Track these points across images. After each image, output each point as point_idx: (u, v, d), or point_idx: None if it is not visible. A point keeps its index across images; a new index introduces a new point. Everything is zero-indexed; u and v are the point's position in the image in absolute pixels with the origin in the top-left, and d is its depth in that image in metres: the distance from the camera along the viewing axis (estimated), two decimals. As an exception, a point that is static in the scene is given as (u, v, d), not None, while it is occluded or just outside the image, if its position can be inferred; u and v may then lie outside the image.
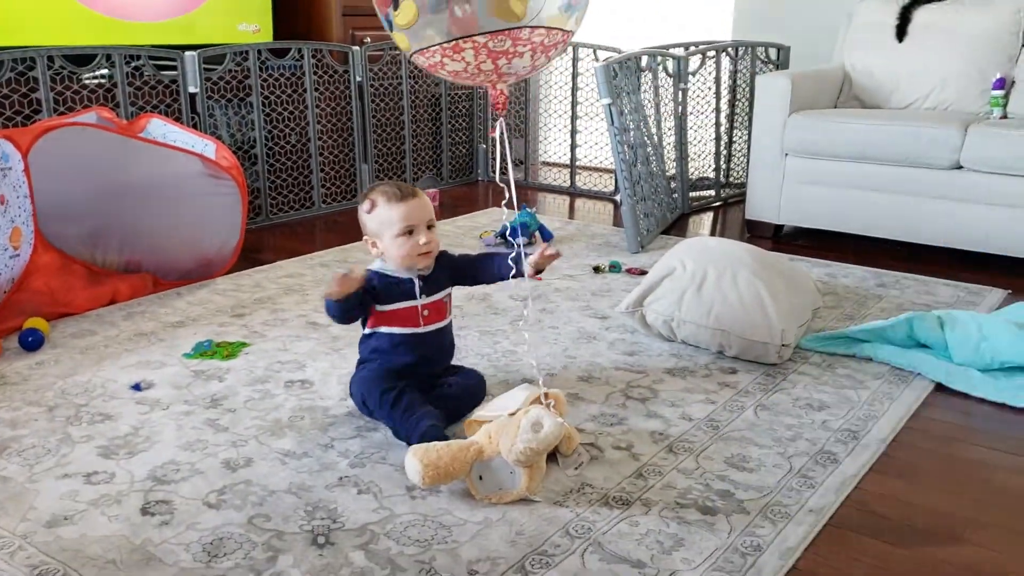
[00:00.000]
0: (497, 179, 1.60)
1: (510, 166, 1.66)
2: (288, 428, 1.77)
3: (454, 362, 1.89)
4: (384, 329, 1.75)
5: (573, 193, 4.34)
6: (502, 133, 1.58)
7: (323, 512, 1.48)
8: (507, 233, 3.20)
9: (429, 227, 1.72)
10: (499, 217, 3.67)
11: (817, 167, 3.27)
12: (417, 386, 1.73)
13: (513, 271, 1.73)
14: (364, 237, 1.76)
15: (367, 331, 1.77)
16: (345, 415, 1.83)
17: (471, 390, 1.77)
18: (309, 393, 1.94)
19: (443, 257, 1.80)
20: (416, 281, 1.76)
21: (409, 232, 1.70)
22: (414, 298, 1.74)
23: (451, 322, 1.83)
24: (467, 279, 1.80)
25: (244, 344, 2.22)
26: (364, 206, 1.73)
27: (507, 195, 1.61)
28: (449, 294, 1.81)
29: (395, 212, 1.70)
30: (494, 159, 4.55)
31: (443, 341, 1.82)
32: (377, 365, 1.75)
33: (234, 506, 1.49)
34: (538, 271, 1.74)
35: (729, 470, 1.63)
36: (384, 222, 1.70)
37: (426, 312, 1.76)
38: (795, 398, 1.96)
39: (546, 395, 1.64)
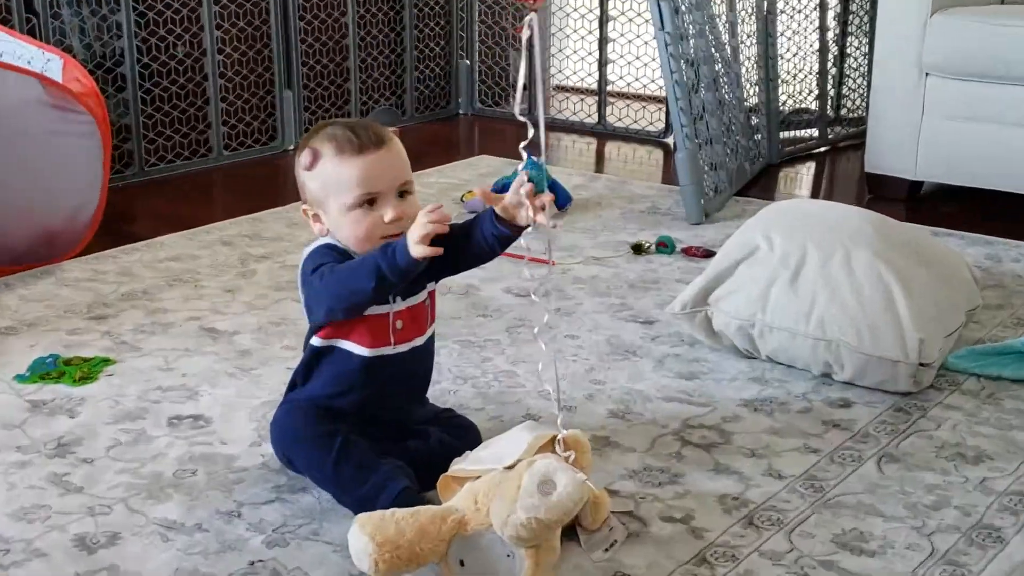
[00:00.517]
0: (515, 110, 1.58)
1: (540, 91, 1.57)
2: (173, 488, 1.77)
3: (430, 397, 1.89)
4: (344, 344, 1.74)
5: (603, 133, 4.34)
6: (532, 36, 1.51)
7: (225, 615, 1.48)
8: (500, 192, 3.20)
9: (402, 194, 1.70)
10: (493, 169, 3.68)
11: (973, 94, 3.26)
12: (373, 438, 1.73)
13: (495, 232, 1.66)
14: (302, 206, 1.75)
15: (317, 343, 1.76)
16: (259, 468, 1.83)
17: (455, 451, 1.73)
18: (205, 435, 1.94)
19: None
20: None
21: (370, 202, 1.67)
22: (384, 300, 1.71)
23: (433, 337, 1.82)
24: (448, 265, 1.72)
25: (107, 361, 2.22)
26: (302, 159, 1.71)
27: (529, 132, 1.58)
28: (432, 292, 1.80)
29: (349, 170, 1.67)
30: (511, 83, 4.54)
31: (418, 368, 1.81)
32: (308, 400, 1.75)
33: (90, 606, 1.49)
34: (516, 227, 1.63)
35: (839, 553, 1.63)
36: (331, 185, 1.68)
37: (399, 324, 1.74)
38: (939, 445, 1.96)
39: (562, 440, 1.64)
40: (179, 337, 2.35)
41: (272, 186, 3.58)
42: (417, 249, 1.55)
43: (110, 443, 1.90)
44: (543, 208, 1.62)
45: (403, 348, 1.75)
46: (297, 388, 1.79)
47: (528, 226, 1.64)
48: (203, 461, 1.85)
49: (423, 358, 1.81)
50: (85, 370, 2.16)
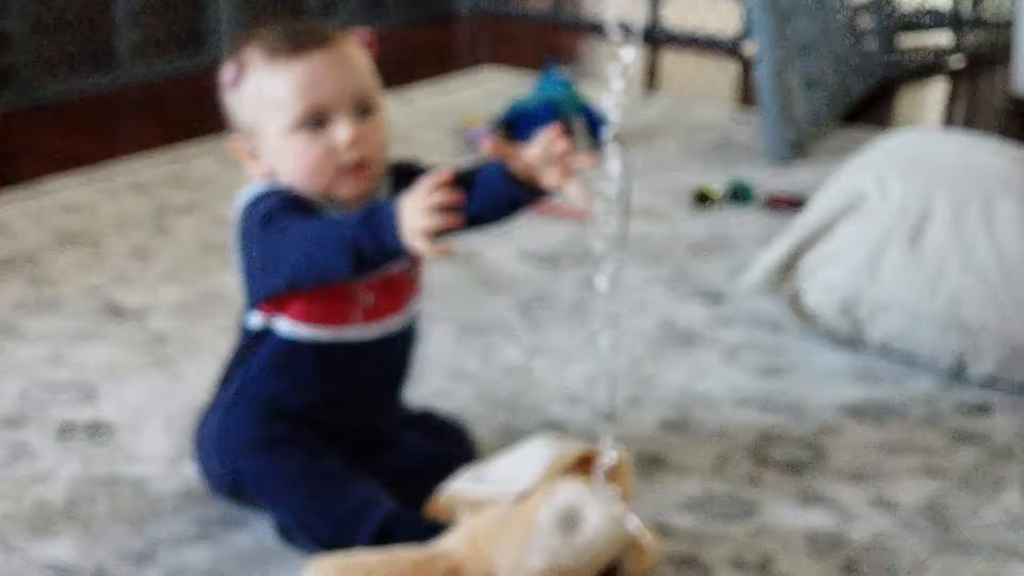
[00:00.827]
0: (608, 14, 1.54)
1: None
2: (65, 520, 1.78)
3: (414, 401, 1.89)
4: (291, 326, 1.74)
5: (658, 39, 4.33)
6: None
7: None
8: (516, 123, 3.20)
9: (363, 111, 1.71)
10: (502, 87, 3.66)
11: None
12: (338, 448, 1.75)
13: (511, 195, 1.64)
14: (234, 139, 1.76)
15: (256, 323, 1.77)
16: (181, 496, 1.83)
17: (443, 460, 1.77)
18: (108, 449, 1.95)
19: (402, 174, 1.78)
20: None
21: (318, 122, 1.69)
22: None
23: (416, 316, 1.83)
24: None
25: (-26, 349, 2.23)
26: (226, 73, 1.73)
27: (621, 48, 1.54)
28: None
29: (284, 78, 1.69)
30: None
31: (394, 358, 1.82)
32: (250, 401, 1.76)
33: None
34: (539, 190, 1.63)
35: (971, 612, 1.64)
36: (264, 102, 1.70)
37: (369, 297, 1.75)
38: (1111, 465, 1.96)
39: (605, 469, 1.64)
40: (73, 317, 2.36)
41: (199, 111, 3.58)
42: (419, 246, 1.51)
43: (-21, 460, 1.92)
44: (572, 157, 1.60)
45: (373, 331, 1.75)
46: (231, 385, 1.80)
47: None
48: (105, 485, 1.85)
49: (402, 345, 1.81)
50: (-55, 361, 2.18)
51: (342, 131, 1.68)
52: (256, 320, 1.76)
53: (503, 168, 1.63)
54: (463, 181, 1.65)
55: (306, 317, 1.72)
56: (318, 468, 1.69)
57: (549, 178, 1.61)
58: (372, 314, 1.74)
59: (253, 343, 1.77)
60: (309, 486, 1.68)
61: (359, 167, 1.69)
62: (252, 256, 1.71)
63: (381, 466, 1.75)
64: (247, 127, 1.73)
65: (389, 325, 1.77)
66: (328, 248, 1.60)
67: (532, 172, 1.62)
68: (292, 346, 1.73)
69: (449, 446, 1.80)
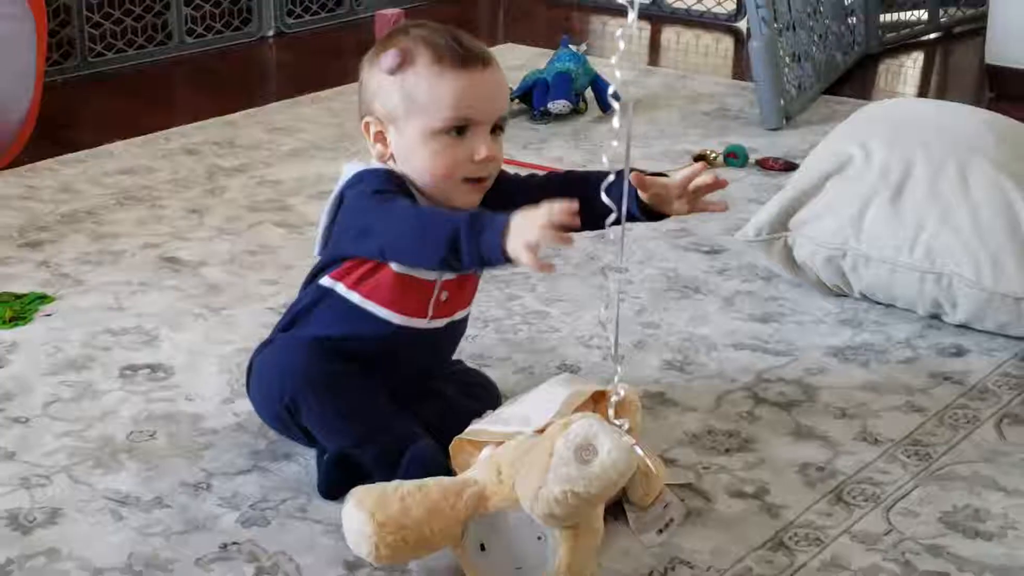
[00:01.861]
0: None
1: None
2: (127, 454, 1.78)
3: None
4: (367, 304, 1.71)
5: (659, 16, 4.30)
6: None
7: (191, 608, 1.49)
8: (531, 93, 3.18)
9: (495, 129, 1.66)
10: (522, 61, 3.65)
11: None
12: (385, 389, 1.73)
13: (612, 215, 1.49)
14: (364, 118, 1.70)
15: (325, 283, 1.74)
16: (232, 431, 1.84)
17: (473, 410, 1.73)
18: (165, 389, 1.95)
19: (501, 184, 1.72)
20: None
21: (459, 130, 1.64)
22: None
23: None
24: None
25: (44, 298, 2.23)
26: (387, 59, 1.65)
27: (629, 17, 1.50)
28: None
29: (447, 85, 1.63)
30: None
31: (447, 341, 1.82)
32: (311, 338, 1.73)
33: (27, 596, 1.50)
34: (663, 214, 1.59)
35: (949, 536, 1.63)
36: (419, 99, 1.64)
37: (444, 295, 1.73)
38: (1074, 403, 1.96)
39: (615, 404, 1.64)
40: (133, 269, 2.35)
41: (247, 82, 3.58)
42: (523, 255, 1.43)
43: (49, 399, 1.91)
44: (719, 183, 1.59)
45: (439, 323, 1.74)
46: (297, 327, 1.77)
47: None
48: (163, 421, 1.86)
49: (458, 330, 1.81)
50: (17, 309, 2.17)
51: (482, 147, 1.63)
52: (327, 281, 1.72)
53: (633, 193, 1.59)
54: (583, 186, 1.63)
55: (384, 300, 1.69)
56: (368, 404, 1.68)
57: (679, 208, 1.60)
58: (442, 310, 1.73)
59: (322, 299, 1.73)
60: (358, 420, 1.67)
61: (480, 180, 1.66)
62: (347, 221, 1.65)
63: (419, 415, 1.74)
64: (389, 113, 1.66)
65: (453, 317, 1.76)
66: (428, 236, 1.54)
67: (662, 200, 1.61)
68: (371, 320, 1.70)
69: (479, 402, 1.77)
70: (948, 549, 1.60)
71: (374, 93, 1.68)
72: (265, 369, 1.75)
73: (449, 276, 1.71)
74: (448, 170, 1.64)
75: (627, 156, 1.46)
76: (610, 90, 1.46)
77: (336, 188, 1.69)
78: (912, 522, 1.66)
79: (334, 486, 1.67)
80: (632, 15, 1.41)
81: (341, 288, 1.71)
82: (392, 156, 1.67)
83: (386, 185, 1.63)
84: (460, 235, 1.49)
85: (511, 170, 1.79)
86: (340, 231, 1.67)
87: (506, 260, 1.47)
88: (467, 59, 1.64)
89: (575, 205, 1.42)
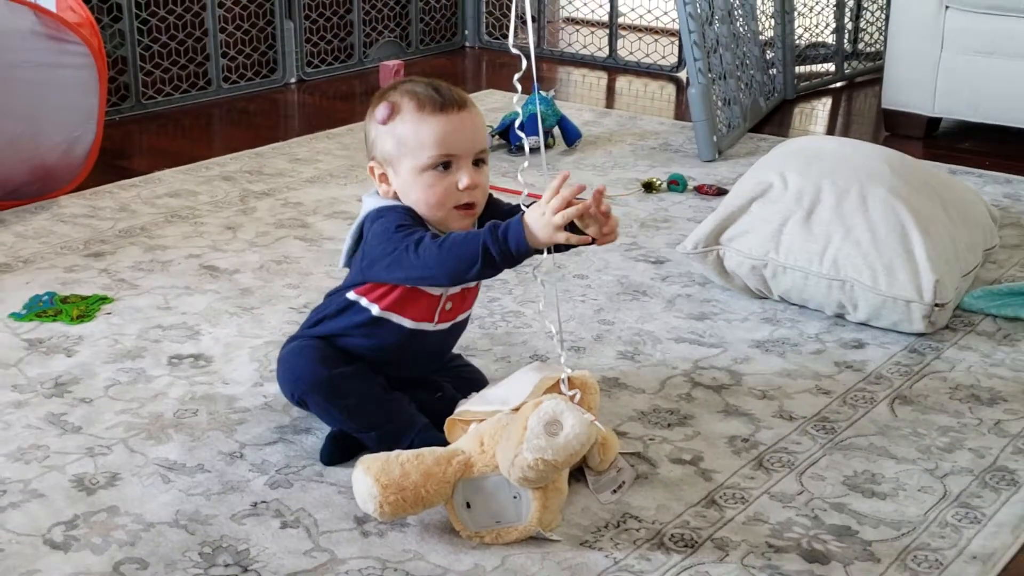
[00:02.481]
0: (510, 43, 1.56)
1: (529, 17, 1.61)
2: (174, 428, 1.78)
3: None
4: (385, 314, 1.69)
5: (613, 68, 4.31)
6: None
7: (228, 556, 1.49)
8: (510, 129, 3.19)
9: (477, 162, 1.65)
10: (501, 105, 3.65)
11: (994, 28, 3.24)
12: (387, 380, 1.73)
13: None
14: (369, 163, 1.68)
15: (352, 297, 1.72)
16: (261, 409, 1.84)
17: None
18: (206, 375, 1.95)
19: (494, 209, 1.72)
20: None
21: (445, 165, 1.63)
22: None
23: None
24: None
25: (104, 299, 2.23)
26: (379, 111, 1.65)
27: (522, 64, 1.56)
28: None
29: (428, 128, 1.61)
30: (506, 9, 4.51)
31: (451, 338, 1.80)
32: (323, 337, 1.73)
33: (91, 546, 1.50)
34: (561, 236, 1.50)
35: (850, 495, 1.65)
36: (408, 142, 1.62)
37: (448, 305, 1.72)
38: (953, 386, 1.97)
39: (568, 381, 1.65)
40: (178, 275, 2.35)
41: (273, 120, 3.57)
42: (558, 236, 1.48)
43: (109, 382, 1.92)
44: (601, 210, 1.55)
45: (444, 326, 1.73)
46: (320, 326, 1.75)
47: (592, 241, 1.57)
48: (204, 401, 1.86)
49: (460, 329, 1.80)
50: (82, 308, 2.17)
51: (463, 178, 1.62)
52: (353, 295, 1.71)
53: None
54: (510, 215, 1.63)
55: (400, 310, 1.68)
56: (368, 403, 1.67)
57: (594, 230, 1.57)
58: (446, 316, 1.72)
59: (346, 308, 1.71)
60: (359, 417, 1.67)
61: (469, 206, 1.65)
62: (376, 252, 1.62)
63: (418, 402, 1.73)
64: (386, 156, 1.65)
65: (456, 320, 1.75)
66: (461, 258, 1.54)
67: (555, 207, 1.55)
68: (379, 320, 1.69)
69: (469, 391, 1.77)
70: (850, 506, 1.61)
71: (373, 142, 1.67)
72: (282, 369, 1.74)
73: (454, 290, 1.69)
74: (439, 199, 1.63)
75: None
76: (517, 122, 1.48)
77: (360, 216, 1.68)
78: (820, 484, 1.67)
79: (332, 457, 1.68)
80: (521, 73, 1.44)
81: (364, 301, 1.70)
82: (395, 193, 1.66)
83: (405, 219, 1.61)
84: (488, 246, 1.51)
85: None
86: (371, 260, 1.63)
87: (535, 250, 1.50)
88: (444, 105, 1.62)
89: (562, 177, 1.48)
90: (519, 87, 1.55)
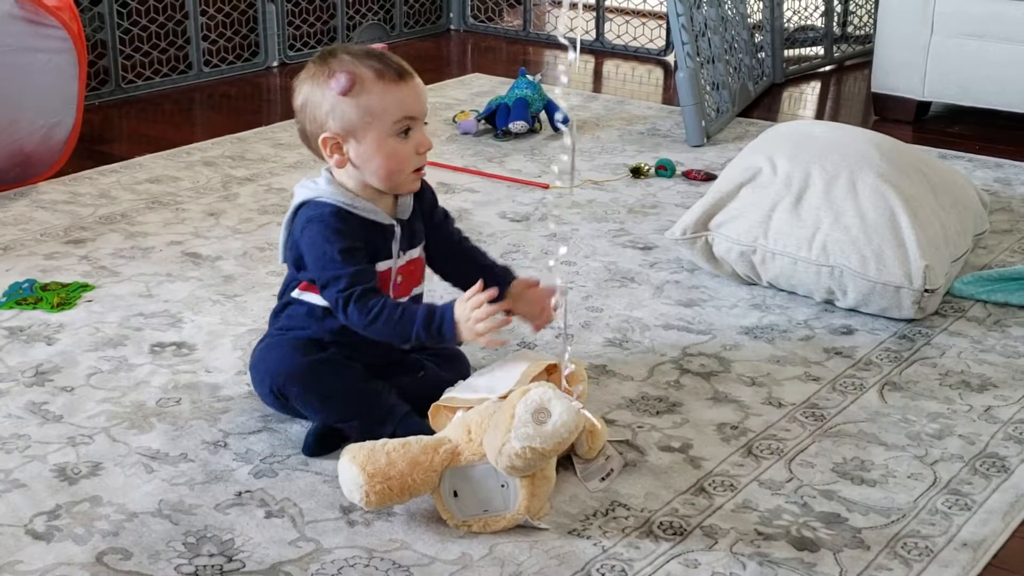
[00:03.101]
0: (558, 33, 1.57)
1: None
2: (156, 417, 1.78)
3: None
4: (321, 302, 1.72)
5: (601, 51, 4.30)
6: None
7: (212, 546, 1.49)
8: (495, 115, 3.19)
9: (424, 125, 1.72)
10: (487, 88, 3.65)
11: (984, 10, 3.24)
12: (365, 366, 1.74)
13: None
14: (321, 135, 1.67)
15: (296, 295, 1.75)
16: (245, 397, 1.84)
17: (446, 379, 1.74)
18: (188, 363, 1.95)
19: (424, 190, 1.78)
20: (395, 226, 1.72)
21: (405, 131, 1.67)
22: (388, 253, 1.72)
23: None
24: (439, 258, 1.82)
25: (85, 287, 2.22)
26: (336, 83, 1.64)
27: (569, 55, 1.54)
28: (425, 246, 1.80)
29: (394, 95, 1.65)
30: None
31: None
32: (297, 336, 1.74)
33: (74, 536, 1.50)
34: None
35: (839, 483, 1.65)
36: (374, 110, 1.65)
37: (399, 278, 1.74)
38: (943, 373, 1.97)
39: (557, 368, 1.65)
40: (160, 262, 2.35)
41: (255, 104, 3.55)
42: (479, 342, 1.62)
43: (90, 371, 1.91)
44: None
45: (401, 301, 1.73)
46: (279, 323, 1.78)
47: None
48: (187, 390, 1.86)
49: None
50: (63, 296, 2.16)
51: (424, 140, 1.69)
52: (298, 293, 1.74)
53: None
54: (470, 268, 1.78)
55: None
56: (346, 388, 1.68)
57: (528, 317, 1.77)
58: (400, 291, 1.75)
59: (297, 305, 1.75)
60: (339, 403, 1.68)
61: (421, 168, 1.71)
62: (315, 268, 1.67)
63: (395, 384, 1.73)
64: (347, 127, 1.66)
65: (411, 295, 1.77)
66: (397, 333, 1.64)
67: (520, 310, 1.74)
68: (326, 321, 1.72)
69: (451, 372, 1.77)
70: (839, 493, 1.62)
71: (328, 112, 1.66)
72: (258, 365, 1.76)
73: (401, 262, 1.73)
74: (400, 165, 1.68)
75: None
76: (558, 115, 1.49)
77: (292, 207, 1.72)
78: (809, 471, 1.68)
79: (313, 450, 1.68)
80: (572, 53, 1.44)
81: (309, 296, 1.73)
82: (350, 163, 1.68)
83: (342, 238, 1.65)
84: (421, 335, 1.63)
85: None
86: (307, 271, 1.70)
87: (459, 341, 1.64)
88: (401, 73, 1.67)
89: (488, 295, 1.60)
90: (565, 80, 1.58)
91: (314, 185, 1.71)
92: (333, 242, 1.65)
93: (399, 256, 1.72)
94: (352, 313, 1.63)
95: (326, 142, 1.68)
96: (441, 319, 1.62)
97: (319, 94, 1.67)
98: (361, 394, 1.68)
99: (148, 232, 2.50)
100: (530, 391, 1.51)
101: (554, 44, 4.35)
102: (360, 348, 1.72)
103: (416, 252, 1.76)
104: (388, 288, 1.72)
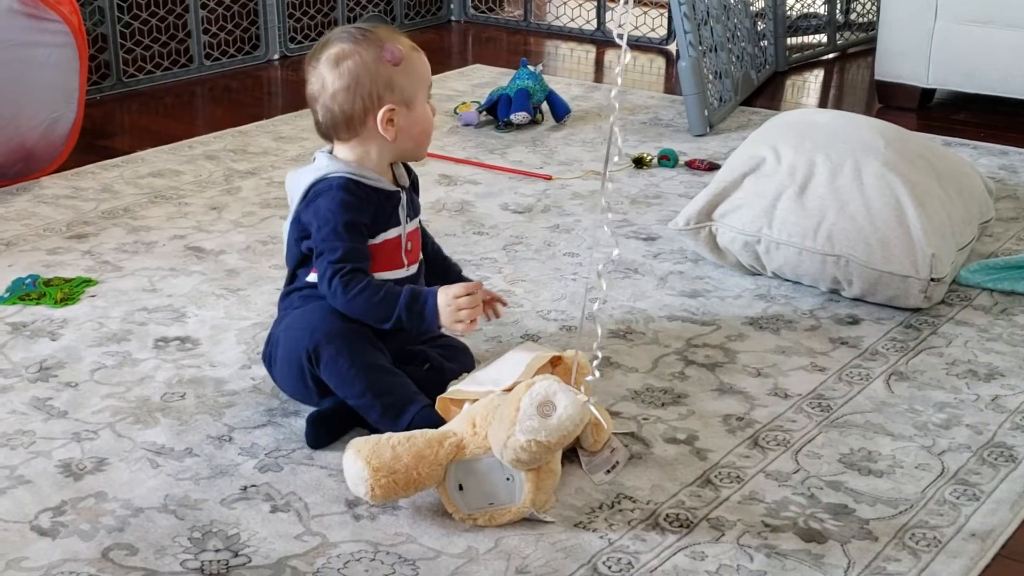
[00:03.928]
0: (614, 30, 1.60)
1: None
2: (161, 412, 1.78)
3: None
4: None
5: (602, 41, 4.30)
6: None
7: (218, 540, 1.49)
8: (496, 106, 3.18)
9: None
10: (488, 80, 3.64)
11: (989, -2, 3.23)
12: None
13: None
14: (381, 109, 1.70)
15: (310, 279, 1.76)
16: (250, 392, 1.84)
17: (450, 370, 1.76)
18: (193, 357, 1.95)
19: (415, 187, 1.86)
20: (400, 193, 1.77)
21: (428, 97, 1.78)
22: (398, 221, 1.76)
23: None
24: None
25: (89, 282, 2.22)
26: (390, 54, 1.71)
27: (624, 55, 1.59)
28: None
29: (423, 64, 1.76)
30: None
31: (421, 284, 1.84)
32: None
33: (79, 532, 1.50)
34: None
35: (846, 473, 1.65)
36: (420, 77, 1.75)
37: (409, 244, 1.78)
38: (950, 362, 1.97)
39: (562, 360, 1.64)
40: (163, 256, 2.34)
41: (257, 98, 3.55)
42: (457, 329, 1.70)
43: (94, 366, 1.91)
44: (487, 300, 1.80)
45: (414, 268, 1.78)
46: (292, 300, 1.79)
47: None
48: (192, 384, 1.86)
49: (421, 280, 1.83)
50: (66, 291, 2.16)
51: (434, 105, 1.79)
52: (311, 279, 1.76)
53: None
54: (440, 268, 1.89)
55: (371, 270, 1.73)
56: (375, 362, 1.68)
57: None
58: (411, 256, 1.79)
59: (308, 285, 1.77)
60: (366, 374, 1.67)
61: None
62: (315, 238, 1.72)
63: (410, 375, 1.73)
64: (404, 96, 1.73)
65: (416, 263, 1.80)
66: (378, 312, 1.69)
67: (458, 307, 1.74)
68: None
69: (455, 362, 1.79)
70: (846, 484, 1.62)
71: (387, 84, 1.71)
72: (296, 325, 1.73)
73: (410, 227, 1.78)
74: (432, 127, 1.78)
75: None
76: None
77: (301, 191, 1.74)
78: (816, 462, 1.67)
79: (317, 438, 1.68)
80: (625, 50, 1.47)
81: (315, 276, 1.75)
82: (397, 133, 1.72)
83: (353, 212, 1.70)
84: (402, 317, 1.68)
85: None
86: (314, 239, 1.72)
87: (438, 327, 1.70)
88: (415, 45, 1.76)
89: (474, 288, 1.70)
90: (619, 80, 1.66)
91: (314, 167, 1.74)
92: (339, 214, 1.69)
93: (407, 222, 1.77)
94: (336, 285, 1.68)
95: (385, 115, 1.71)
96: (424, 302, 1.68)
97: (373, 69, 1.70)
98: (389, 372, 1.68)
99: (151, 226, 2.50)
100: (535, 384, 1.51)
101: (555, 34, 4.34)
102: (379, 333, 1.73)
103: (416, 222, 1.81)
104: (400, 254, 1.76)
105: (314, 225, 1.71)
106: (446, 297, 1.67)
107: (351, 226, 1.69)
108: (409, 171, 1.82)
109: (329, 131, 1.74)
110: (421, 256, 1.84)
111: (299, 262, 1.77)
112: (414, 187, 1.83)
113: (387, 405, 1.65)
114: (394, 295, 1.68)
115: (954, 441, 1.73)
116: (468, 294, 1.68)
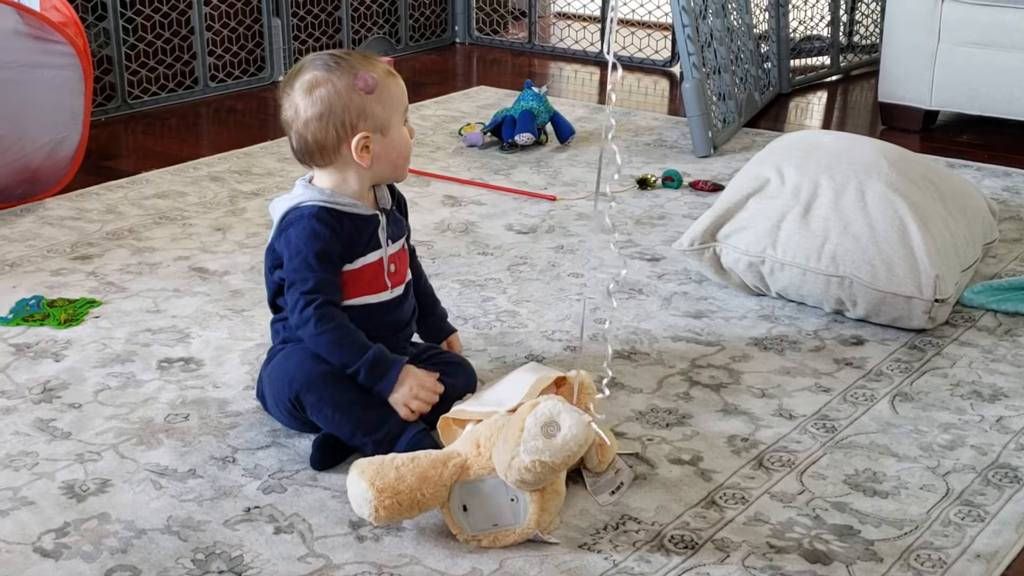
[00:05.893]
0: (607, 53, 1.62)
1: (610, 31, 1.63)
2: (165, 433, 1.78)
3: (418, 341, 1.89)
4: (347, 302, 1.74)
5: (606, 63, 4.30)
6: None
7: (221, 562, 1.49)
8: (501, 127, 3.19)
9: None
10: (492, 101, 3.65)
11: (992, 19, 3.24)
12: None
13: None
14: (354, 137, 1.69)
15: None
16: (253, 412, 1.84)
17: (451, 386, 1.75)
18: (196, 379, 1.95)
19: (401, 205, 1.86)
20: (380, 216, 1.76)
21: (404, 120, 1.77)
22: (377, 244, 1.75)
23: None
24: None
25: (92, 303, 2.22)
26: (364, 82, 1.69)
27: (617, 73, 1.58)
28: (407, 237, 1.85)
29: (400, 88, 1.74)
30: (513, 9, 4.51)
31: (405, 314, 1.83)
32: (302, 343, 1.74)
33: (82, 554, 1.50)
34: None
35: (851, 494, 1.65)
36: (395, 104, 1.73)
37: (392, 267, 1.77)
38: (954, 383, 1.97)
39: (565, 381, 1.64)
40: (167, 277, 2.35)
41: (261, 119, 3.56)
42: (401, 412, 1.68)
43: (98, 387, 1.91)
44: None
45: (399, 290, 1.77)
46: (281, 335, 1.79)
47: None
48: (195, 405, 1.86)
49: (410, 300, 1.83)
50: (70, 312, 2.17)
51: (412, 128, 1.78)
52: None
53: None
54: (426, 308, 1.89)
55: (359, 292, 1.74)
56: (361, 398, 1.67)
57: None
58: (395, 279, 1.77)
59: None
60: (354, 413, 1.67)
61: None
62: (287, 268, 1.72)
63: None
64: (379, 123, 1.71)
65: (401, 284, 1.79)
66: (342, 357, 1.68)
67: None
68: (347, 307, 1.74)
69: (455, 379, 1.78)
70: (851, 505, 1.62)
71: (359, 112, 1.70)
72: (275, 375, 1.75)
73: (392, 250, 1.77)
74: (409, 150, 1.76)
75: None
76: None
77: (275, 222, 1.74)
78: (821, 483, 1.67)
79: (323, 461, 1.68)
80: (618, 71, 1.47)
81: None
82: (373, 160, 1.72)
83: (322, 241, 1.69)
84: (360, 373, 1.67)
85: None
86: (285, 268, 1.72)
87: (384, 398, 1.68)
88: (392, 70, 1.75)
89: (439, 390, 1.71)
90: (612, 97, 1.66)
91: (291, 196, 1.75)
92: (311, 244, 1.69)
93: (388, 244, 1.76)
94: (308, 315, 1.68)
95: (359, 143, 1.70)
96: (387, 369, 1.67)
97: (346, 98, 1.69)
98: (374, 408, 1.67)
99: (155, 247, 2.50)
100: (539, 404, 1.50)
101: (559, 56, 4.36)
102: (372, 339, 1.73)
103: (400, 244, 1.80)
104: (383, 277, 1.75)
105: (286, 255, 1.71)
106: (413, 379, 1.68)
107: (322, 256, 1.68)
108: (394, 192, 1.82)
109: (304, 158, 1.75)
110: (409, 277, 1.82)
111: (275, 292, 1.78)
112: (400, 208, 1.82)
113: (378, 442, 1.65)
114: (361, 347, 1.67)
115: (959, 462, 1.72)
116: (433, 391, 1.69)
